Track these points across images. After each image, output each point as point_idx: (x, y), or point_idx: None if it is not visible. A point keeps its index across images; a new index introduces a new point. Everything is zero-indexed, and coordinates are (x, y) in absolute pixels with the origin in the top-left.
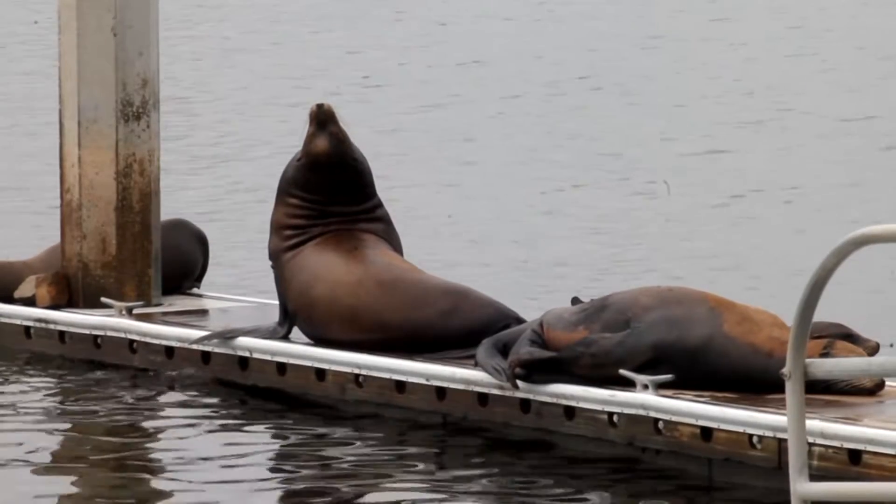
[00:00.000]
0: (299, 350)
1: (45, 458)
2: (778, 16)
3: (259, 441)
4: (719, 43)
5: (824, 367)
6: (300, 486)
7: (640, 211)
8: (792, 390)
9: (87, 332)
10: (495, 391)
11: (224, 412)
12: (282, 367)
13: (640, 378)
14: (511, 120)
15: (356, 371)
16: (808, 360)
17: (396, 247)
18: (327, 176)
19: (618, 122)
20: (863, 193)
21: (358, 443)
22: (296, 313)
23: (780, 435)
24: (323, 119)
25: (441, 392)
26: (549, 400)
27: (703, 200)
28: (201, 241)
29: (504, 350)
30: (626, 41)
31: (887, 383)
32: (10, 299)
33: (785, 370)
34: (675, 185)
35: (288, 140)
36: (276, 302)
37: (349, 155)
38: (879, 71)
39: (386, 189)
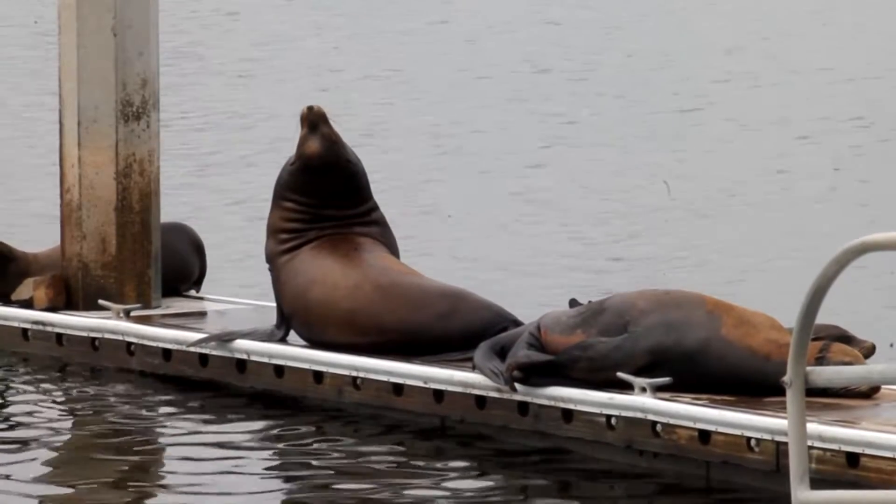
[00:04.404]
0: (297, 353)
1: (43, 460)
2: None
3: (257, 444)
4: (729, 37)
5: (825, 374)
6: (298, 488)
7: (640, 211)
8: (793, 398)
9: (84, 334)
10: (493, 394)
11: (222, 415)
12: (279, 370)
13: (638, 381)
14: (510, 119)
15: (354, 374)
16: (808, 369)
17: (393, 250)
18: (321, 178)
19: (617, 121)
20: (865, 197)
21: (355, 446)
22: (292, 316)
23: (777, 438)
24: (314, 121)
25: (439, 395)
26: (547, 403)
27: (703, 201)
28: (198, 247)
29: (502, 353)
30: (634, 39)
31: (885, 387)
32: (6, 298)
33: (786, 378)
34: (675, 186)
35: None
36: (274, 304)
37: (342, 156)
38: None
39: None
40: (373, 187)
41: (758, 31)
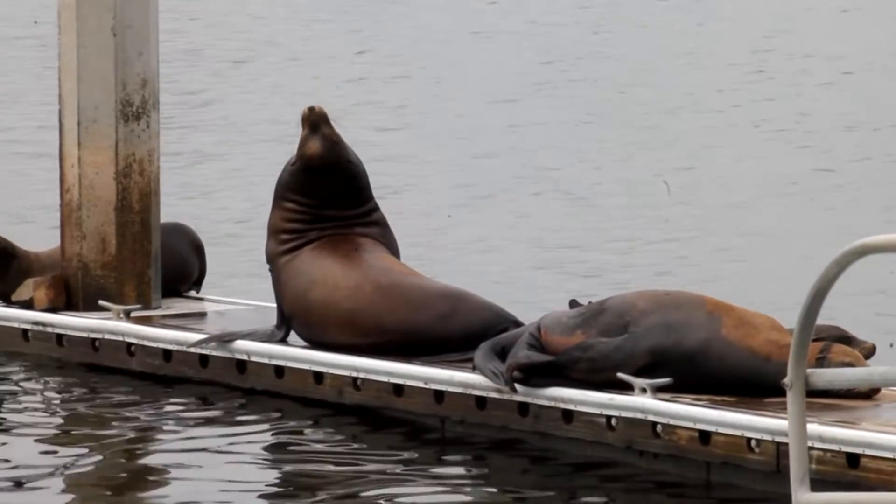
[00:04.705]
0: (297, 353)
1: (43, 461)
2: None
3: (257, 444)
4: (732, 42)
5: (825, 377)
6: (298, 489)
7: (640, 212)
8: (793, 400)
9: (84, 335)
10: (493, 395)
11: (222, 416)
12: (280, 371)
13: (639, 382)
14: (513, 119)
15: (354, 374)
16: (809, 371)
17: (394, 250)
18: (322, 178)
19: (618, 121)
20: (870, 199)
21: (356, 446)
22: (292, 317)
23: (778, 438)
24: (315, 121)
25: (439, 395)
26: (547, 403)
27: (704, 202)
28: (197, 247)
29: (502, 353)
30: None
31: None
32: (6, 297)
33: (786, 380)
34: (675, 186)
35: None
36: (275, 305)
37: (343, 157)
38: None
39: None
40: (373, 188)
41: (768, 32)
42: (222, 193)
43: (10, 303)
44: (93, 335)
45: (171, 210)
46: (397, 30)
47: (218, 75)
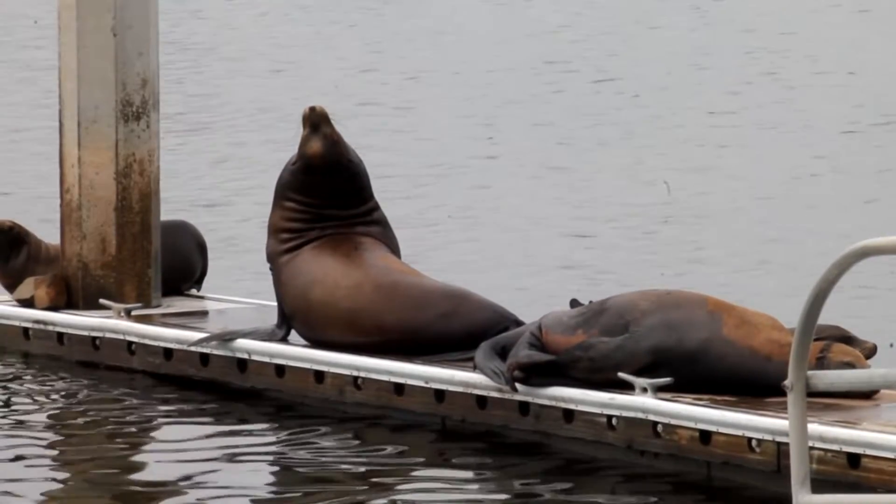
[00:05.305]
0: (298, 352)
1: (43, 459)
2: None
3: (257, 443)
4: (742, 43)
5: (826, 379)
6: (298, 488)
7: (640, 211)
8: (794, 402)
9: (85, 333)
10: (494, 394)
11: (222, 414)
12: (280, 370)
13: (639, 381)
14: (516, 119)
15: (355, 373)
16: (810, 373)
17: (394, 250)
18: (322, 178)
19: (620, 122)
20: (874, 199)
21: (356, 445)
22: (293, 316)
23: (779, 438)
24: (316, 121)
25: (440, 395)
26: (547, 403)
27: (705, 202)
28: (200, 245)
29: (503, 353)
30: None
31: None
32: (15, 278)
33: (787, 382)
34: (676, 186)
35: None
36: (275, 304)
37: (344, 156)
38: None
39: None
40: (374, 187)
41: (775, 33)
42: (224, 189)
43: (14, 291)
44: (94, 334)
45: (172, 207)
46: (400, 29)
47: (223, 74)
